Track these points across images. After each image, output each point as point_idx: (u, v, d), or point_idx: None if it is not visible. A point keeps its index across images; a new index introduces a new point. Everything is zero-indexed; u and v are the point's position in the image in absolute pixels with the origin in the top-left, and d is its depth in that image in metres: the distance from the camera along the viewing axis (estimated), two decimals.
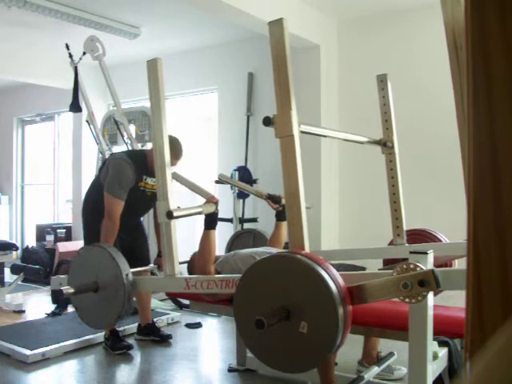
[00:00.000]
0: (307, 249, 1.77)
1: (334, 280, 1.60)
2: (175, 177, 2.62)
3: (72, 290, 2.30)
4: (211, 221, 2.45)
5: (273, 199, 2.84)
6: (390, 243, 2.81)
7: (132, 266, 3.47)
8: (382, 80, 2.73)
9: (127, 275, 2.27)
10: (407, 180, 3.14)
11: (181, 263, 2.44)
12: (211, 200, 2.44)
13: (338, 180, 4.62)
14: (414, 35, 4.29)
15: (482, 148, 0.67)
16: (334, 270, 1.66)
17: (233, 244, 3.51)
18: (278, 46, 1.81)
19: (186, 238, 3.19)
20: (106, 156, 5.05)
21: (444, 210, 3.92)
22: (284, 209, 2.71)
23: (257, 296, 1.74)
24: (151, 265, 3.21)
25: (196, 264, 2.54)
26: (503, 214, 0.66)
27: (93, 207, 3.23)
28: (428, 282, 1.52)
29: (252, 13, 3.62)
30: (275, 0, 3.87)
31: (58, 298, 2.61)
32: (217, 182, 3.30)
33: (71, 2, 4.24)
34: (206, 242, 2.46)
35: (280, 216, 2.89)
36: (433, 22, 4.17)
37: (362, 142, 2.59)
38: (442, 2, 1.99)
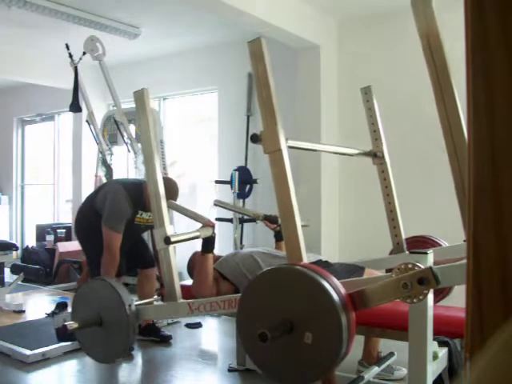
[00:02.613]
0: (305, 260, 1.78)
1: (334, 288, 1.61)
2: (170, 205, 2.67)
3: (76, 325, 2.32)
4: (208, 244, 2.46)
5: (270, 220, 2.85)
6: (391, 253, 2.81)
7: (137, 267, 3.51)
8: (366, 92, 2.76)
9: (130, 306, 2.29)
10: (405, 188, 3.12)
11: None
12: (208, 224, 2.46)
13: (338, 189, 4.60)
14: (414, 35, 4.29)
15: (482, 148, 0.67)
16: (334, 279, 1.66)
17: None
18: (259, 64, 1.86)
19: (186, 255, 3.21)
20: (106, 156, 5.06)
21: (444, 216, 3.91)
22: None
23: (259, 310, 1.75)
24: (155, 296, 3.23)
25: (193, 285, 2.53)
26: (503, 214, 0.66)
27: (90, 221, 3.25)
28: (427, 280, 1.53)
29: (252, 13, 3.62)
30: (275, 0, 3.87)
31: (63, 335, 2.67)
32: (215, 203, 3.31)
33: (71, 1, 4.23)
34: (202, 266, 2.46)
35: (278, 236, 2.87)
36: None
37: (352, 155, 2.61)
38: (413, 6, 2.03)
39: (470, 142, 0.68)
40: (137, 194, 3.15)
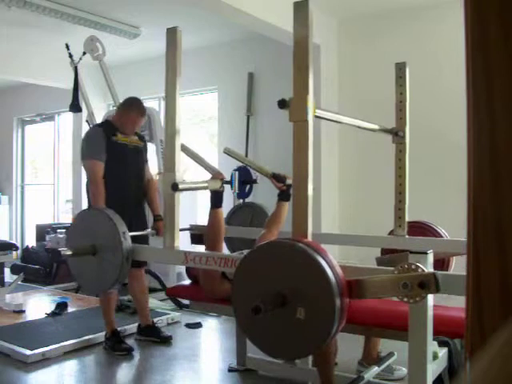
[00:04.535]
0: (310, 237, 1.75)
1: (333, 271, 1.60)
2: (183, 148, 2.57)
3: (70, 252, 2.30)
4: (217, 198, 2.41)
5: (277, 178, 2.80)
6: (390, 233, 2.78)
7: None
8: (400, 68, 2.66)
9: (124, 233, 2.25)
10: (411, 175, 3.11)
11: (181, 230, 2.36)
12: (217, 176, 2.41)
13: (337, 165, 4.60)
14: (414, 34, 4.29)
15: (483, 148, 0.67)
16: (334, 261, 1.64)
17: (230, 218, 3.49)
18: (300, 28, 1.82)
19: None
20: None
21: (447, 207, 3.91)
22: (288, 189, 2.70)
23: (255, 281, 1.72)
24: (149, 230, 3.21)
25: (205, 246, 2.48)
26: (503, 214, 0.66)
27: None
28: (428, 285, 1.52)
29: (252, 13, 3.62)
30: (275, 0, 3.87)
31: (55, 258, 2.71)
32: (225, 152, 3.22)
33: (71, 1, 4.23)
34: (213, 222, 2.40)
35: (283, 196, 2.81)
36: (433, 21, 4.16)
37: (374, 130, 2.56)
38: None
39: (470, 143, 0.68)
40: (107, 122, 3.35)
